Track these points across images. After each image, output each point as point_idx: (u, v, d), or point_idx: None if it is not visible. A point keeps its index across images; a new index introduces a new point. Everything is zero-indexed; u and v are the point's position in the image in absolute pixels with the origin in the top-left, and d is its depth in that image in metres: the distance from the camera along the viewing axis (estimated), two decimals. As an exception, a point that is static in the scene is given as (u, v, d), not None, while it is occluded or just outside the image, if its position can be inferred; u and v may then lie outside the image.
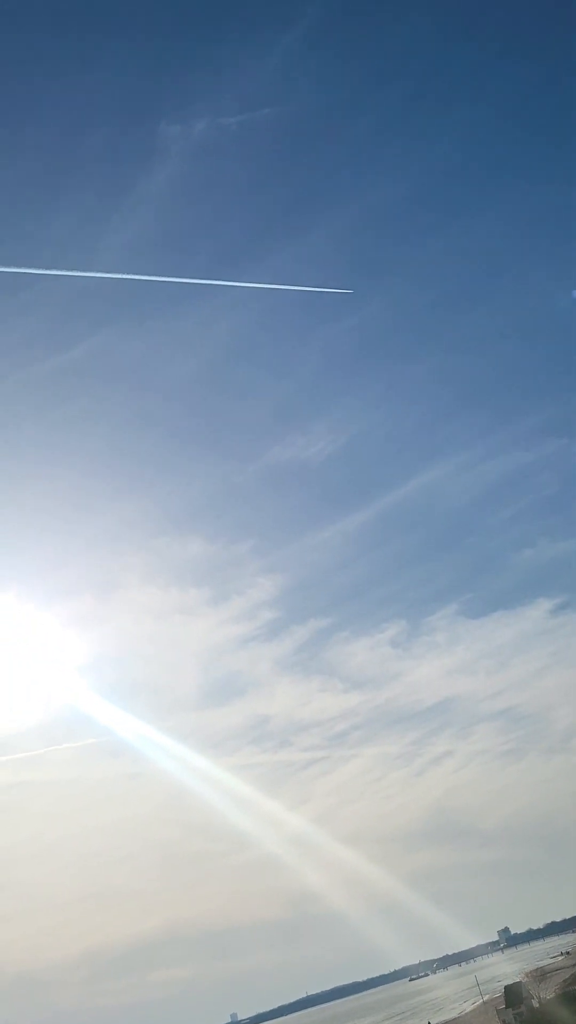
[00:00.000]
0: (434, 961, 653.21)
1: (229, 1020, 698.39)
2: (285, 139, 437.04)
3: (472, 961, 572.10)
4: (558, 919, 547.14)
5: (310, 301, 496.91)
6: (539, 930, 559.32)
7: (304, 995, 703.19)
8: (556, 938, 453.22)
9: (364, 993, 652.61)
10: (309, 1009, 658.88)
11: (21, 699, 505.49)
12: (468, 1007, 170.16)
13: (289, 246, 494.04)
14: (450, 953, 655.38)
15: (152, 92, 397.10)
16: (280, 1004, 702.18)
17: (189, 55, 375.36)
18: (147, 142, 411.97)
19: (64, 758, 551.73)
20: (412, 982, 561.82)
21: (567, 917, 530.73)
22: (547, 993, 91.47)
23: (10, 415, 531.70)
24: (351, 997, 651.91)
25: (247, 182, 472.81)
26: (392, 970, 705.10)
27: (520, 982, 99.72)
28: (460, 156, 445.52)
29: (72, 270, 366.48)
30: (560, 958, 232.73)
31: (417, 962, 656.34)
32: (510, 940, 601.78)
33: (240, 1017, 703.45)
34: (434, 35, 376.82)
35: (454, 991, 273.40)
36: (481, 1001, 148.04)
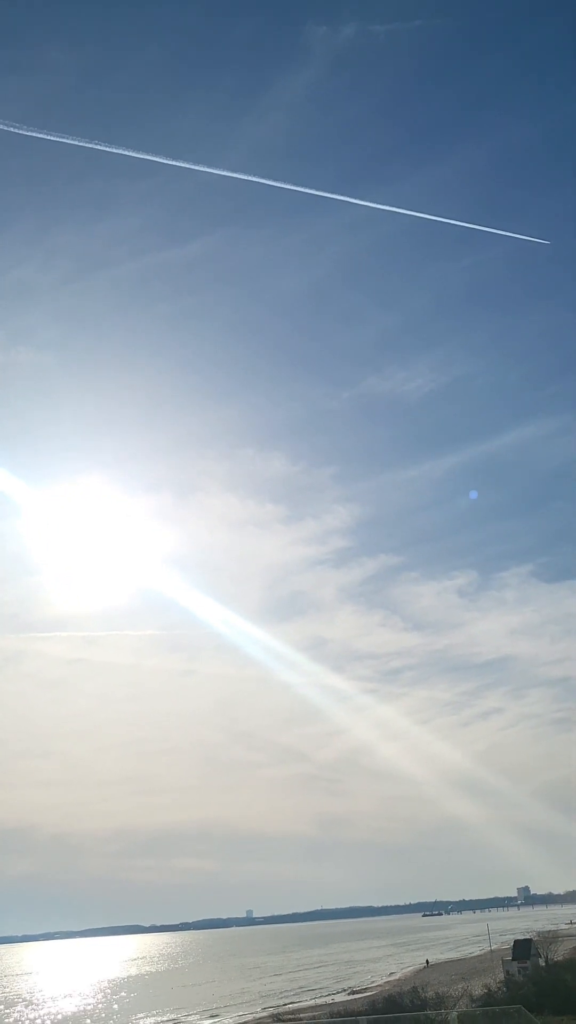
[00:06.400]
0: (449, 903, 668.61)
1: (244, 915, 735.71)
2: (432, 56, 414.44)
3: (487, 911, 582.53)
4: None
5: (430, 232, 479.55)
6: (559, 896, 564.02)
7: (319, 908, 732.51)
8: (574, 907, 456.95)
9: (377, 918, 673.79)
10: (322, 921, 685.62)
11: (91, 581, 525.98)
12: (475, 951, 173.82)
13: (416, 173, 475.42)
14: (467, 899, 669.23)
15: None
16: (295, 912, 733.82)
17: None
18: (291, 40, 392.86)
19: (123, 644, 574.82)
20: (424, 918, 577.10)
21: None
22: (555, 955, 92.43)
23: (117, 304, 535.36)
24: (363, 919, 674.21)
25: (386, 97, 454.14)
26: (407, 903, 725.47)
27: (530, 939, 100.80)
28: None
29: (197, 164, 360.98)
30: (573, 926, 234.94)
31: (433, 900, 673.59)
32: (528, 899, 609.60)
33: (255, 915, 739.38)
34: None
35: (464, 934, 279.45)
36: (489, 949, 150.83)
